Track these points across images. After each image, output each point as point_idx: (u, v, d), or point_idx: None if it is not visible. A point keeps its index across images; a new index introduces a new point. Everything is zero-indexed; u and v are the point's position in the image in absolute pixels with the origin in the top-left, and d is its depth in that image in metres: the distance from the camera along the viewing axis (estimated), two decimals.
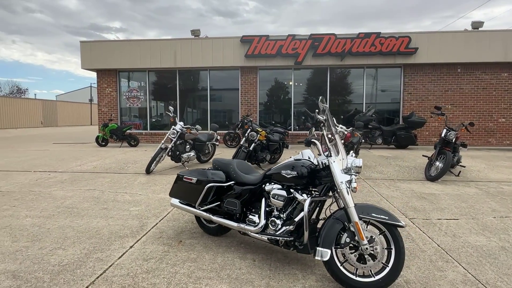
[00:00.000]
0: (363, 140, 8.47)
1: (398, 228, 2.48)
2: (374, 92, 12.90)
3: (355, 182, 2.53)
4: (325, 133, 2.67)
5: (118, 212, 4.24)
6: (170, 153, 7.12)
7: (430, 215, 4.15)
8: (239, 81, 12.99)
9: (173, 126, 7.14)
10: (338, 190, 2.50)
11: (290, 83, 13.02)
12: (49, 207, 4.47)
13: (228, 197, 3.15)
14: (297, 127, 12.99)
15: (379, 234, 2.52)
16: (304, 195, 2.75)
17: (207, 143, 7.82)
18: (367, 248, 2.41)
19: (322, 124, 2.64)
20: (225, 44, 12.53)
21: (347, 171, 2.58)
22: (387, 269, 2.42)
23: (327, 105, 2.60)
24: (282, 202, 2.77)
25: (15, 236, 3.45)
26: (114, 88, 13.41)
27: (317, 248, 2.44)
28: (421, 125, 11.01)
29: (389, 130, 11.04)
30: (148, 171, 6.62)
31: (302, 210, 2.76)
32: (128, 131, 11.93)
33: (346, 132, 6.58)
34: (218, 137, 8.20)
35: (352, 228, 2.45)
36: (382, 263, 2.45)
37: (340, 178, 2.52)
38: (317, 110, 2.61)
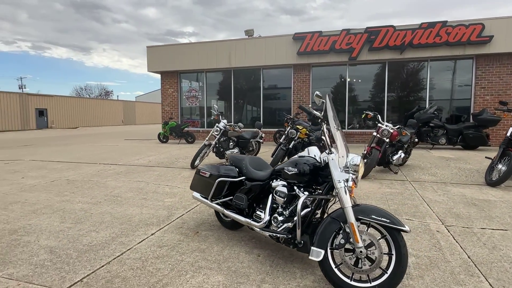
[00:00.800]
0: (416, 140, 7.81)
1: (403, 233, 2.31)
2: (440, 87, 11.74)
3: (351, 181, 2.40)
4: (325, 129, 2.57)
5: (153, 203, 4.60)
6: (214, 150, 7.44)
7: (473, 224, 3.69)
8: (292, 79, 12.92)
9: (216, 124, 7.45)
10: (336, 189, 2.41)
11: (345, 79, 12.53)
12: (99, 195, 5.04)
13: (239, 192, 3.22)
14: (357, 126, 12.47)
15: (381, 238, 2.36)
16: (306, 192, 2.70)
17: (251, 140, 7.97)
18: (361, 252, 2.28)
19: (320, 120, 2.56)
20: (278, 43, 12.57)
21: (347, 169, 2.46)
22: (385, 276, 2.26)
23: (327, 100, 2.50)
24: (283, 199, 2.75)
25: (64, 218, 3.98)
26: (175, 88, 14.41)
27: (312, 247, 2.38)
28: (494, 123, 9.70)
29: (455, 129, 9.95)
30: (193, 166, 7.01)
31: (306, 206, 2.72)
32: (186, 128, 12.71)
33: (391, 131, 6.15)
34: (263, 135, 8.30)
35: (347, 229, 2.33)
36: (381, 268, 2.29)
37: (338, 176, 2.42)
38: (309, 106, 2.54)
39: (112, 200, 4.76)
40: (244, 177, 3.25)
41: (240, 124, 7.84)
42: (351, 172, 2.44)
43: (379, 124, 6.22)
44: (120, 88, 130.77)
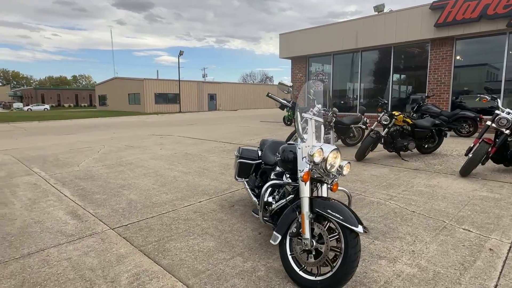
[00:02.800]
0: None
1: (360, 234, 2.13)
2: None
3: (302, 171, 2.33)
4: (298, 117, 2.53)
5: (226, 177, 5.31)
6: None
7: None
8: (428, 57, 11.13)
9: (310, 108, 7.48)
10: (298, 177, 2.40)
11: (502, 52, 9.85)
12: (194, 167, 6.16)
13: (254, 173, 3.48)
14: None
15: (336, 235, 2.23)
16: (289, 179, 2.75)
17: (351, 126, 7.62)
18: (306, 243, 2.24)
19: (289, 108, 2.53)
20: (411, 16, 11.00)
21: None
22: (330, 273, 2.16)
23: (306, 87, 2.45)
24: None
25: (157, 181, 5.18)
26: (304, 73, 14.80)
27: (273, 231, 2.48)
28: None
29: None
30: None
31: (289, 194, 2.79)
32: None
33: None
34: (367, 120, 7.77)
35: (300, 219, 2.32)
36: (330, 265, 2.20)
37: (300, 165, 2.40)
38: (269, 93, 2.49)
39: (199, 172, 5.76)
40: (260, 160, 3.48)
41: (334, 109, 7.59)
42: (307, 162, 2.37)
43: (497, 111, 4.91)
44: (281, 74, 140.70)
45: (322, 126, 2.74)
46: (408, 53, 11.96)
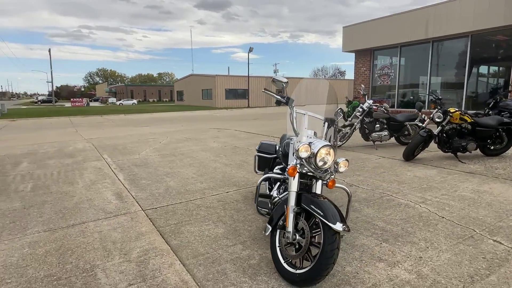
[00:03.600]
0: None
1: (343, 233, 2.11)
2: None
3: (289, 166, 2.35)
4: (293, 113, 2.54)
5: None
6: (360, 131, 7.27)
7: None
8: None
9: (360, 104, 7.15)
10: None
11: None
12: (236, 159, 6.44)
13: (271, 167, 3.56)
14: None
15: (320, 230, 2.22)
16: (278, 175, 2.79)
17: (406, 124, 7.09)
18: (288, 237, 2.27)
19: (283, 104, 2.53)
20: None
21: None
22: (308, 268, 2.18)
23: (285, 82, 2.47)
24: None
25: (198, 171, 5.57)
26: (368, 67, 14.05)
27: (266, 223, 2.56)
28: None
29: None
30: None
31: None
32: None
33: None
34: (425, 117, 7.13)
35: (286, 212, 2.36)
36: (310, 259, 2.21)
37: (290, 160, 2.43)
38: (265, 89, 2.50)
39: (239, 164, 6.01)
40: (276, 155, 3.55)
41: (385, 105, 7.13)
42: (295, 157, 2.38)
43: None
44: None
45: (326, 124, 2.71)
46: (488, 42, 10.52)
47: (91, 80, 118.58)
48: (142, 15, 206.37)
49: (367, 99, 7.31)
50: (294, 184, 2.37)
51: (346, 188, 2.76)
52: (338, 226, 2.08)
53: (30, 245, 2.92)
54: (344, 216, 2.68)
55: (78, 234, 3.14)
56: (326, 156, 2.38)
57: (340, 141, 7.29)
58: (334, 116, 2.89)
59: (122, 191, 4.52)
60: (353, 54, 14.56)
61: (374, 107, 7.01)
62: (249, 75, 37.52)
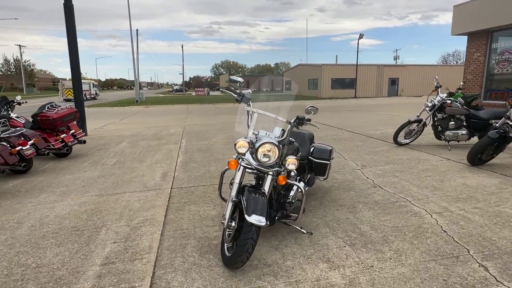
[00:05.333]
0: None
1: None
2: None
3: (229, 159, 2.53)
4: (248, 110, 2.67)
5: None
6: (433, 129, 6.43)
7: None
8: None
9: (431, 98, 6.26)
10: None
11: None
12: None
13: None
14: None
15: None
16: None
17: (492, 121, 5.91)
18: (223, 223, 2.49)
19: (237, 101, 2.67)
20: None
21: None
22: (231, 254, 2.39)
23: (241, 81, 2.59)
24: None
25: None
26: (483, 52, 11.73)
27: None
28: None
29: None
30: (396, 140, 6.59)
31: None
32: (474, 101, 10.44)
33: None
34: None
35: None
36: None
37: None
38: (221, 88, 2.61)
39: None
40: None
41: (460, 99, 6.01)
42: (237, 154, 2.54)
43: None
44: None
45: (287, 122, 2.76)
46: None
47: (216, 71, 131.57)
48: (264, 8, 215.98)
49: (440, 92, 6.35)
50: (237, 177, 2.58)
51: (300, 185, 2.79)
52: (252, 218, 2.23)
53: (79, 204, 3.92)
54: (298, 212, 2.75)
55: (113, 201, 4.01)
56: (267, 152, 2.50)
57: (405, 138, 6.61)
58: (306, 114, 2.90)
59: (171, 171, 5.35)
60: (465, 37, 12.37)
61: (447, 101, 6.06)
62: (361, 63, 35.55)
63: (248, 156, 2.58)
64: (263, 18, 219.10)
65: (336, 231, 3.02)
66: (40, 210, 3.76)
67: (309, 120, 2.93)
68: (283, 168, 2.64)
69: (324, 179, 3.76)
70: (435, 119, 6.30)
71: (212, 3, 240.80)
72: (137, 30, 33.66)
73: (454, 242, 2.74)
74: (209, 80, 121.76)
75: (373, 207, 3.56)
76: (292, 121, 2.80)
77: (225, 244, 2.60)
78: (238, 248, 2.29)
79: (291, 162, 2.56)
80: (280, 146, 2.60)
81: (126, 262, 2.59)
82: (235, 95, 2.80)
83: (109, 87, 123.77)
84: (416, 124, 6.47)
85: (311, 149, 3.69)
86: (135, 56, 30.61)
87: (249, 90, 2.92)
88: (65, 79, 38.60)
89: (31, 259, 2.68)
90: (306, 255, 2.64)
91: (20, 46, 61.60)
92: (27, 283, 2.35)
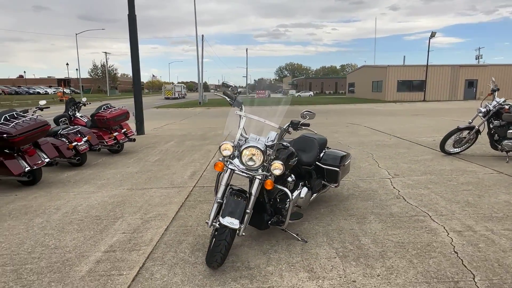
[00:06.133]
0: None
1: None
2: None
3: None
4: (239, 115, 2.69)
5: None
6: (489, 137, 5.70)
7: None
8: None
9: (485, 103, 5.52)
10: None
11: None
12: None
13: None
14: None
15: None
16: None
17: None
18: (207, 222, 2.56)
19: (231, 105, 2.70)
20: None
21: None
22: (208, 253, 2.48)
23: (233, 86, 2.61)
24: None
25: None
26: None
27: None
28: None
29: None
30: (442, 148, 5.97)
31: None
32: None
33: None
34: None
35: None
36: None
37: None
38: (217, 91, 2.63)
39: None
40: None
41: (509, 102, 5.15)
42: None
43: None
44: None
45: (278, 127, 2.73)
46: None
47: (280, 73, 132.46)
48: (332, 9, 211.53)
49: (496, 96, 5.57)
50: (224, 179, 2.64)
51: (287, 191, 2.74)
52: (225, 220, 2.28)
53: (110, 196, 4.34)
54: (284, 218, 2.72)
55: (138, 195, 4.36)
56: (251, 156, 2.52)
57: (454, 146, 5.96)
58: (301, 118, 2.84)
59: (200, 170, 5.61)
60: None
61: (505, 106, 5.31)
62: (432, 64, 32.70)
63: (236, 159, 2.63)
64: (330, 19, 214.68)
65: (333, 241, 2.90)
66: (77, 199, 4.26)
67: (306, 124, 2.86)
68: (270, 173, 2.63)
69: (336, 186, 3.63)
70: (491, 126, 5.58)
71: (279, 6, 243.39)
72: (202, 36, 35.59)
73: (461, 266, 2.44)
74: (272, 82, 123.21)
75: (385, 219, 3.32)
76: (285, 126, 2.77)
77: (210, 244, 2.69)
78: (212, 249, 2.36)
79: (277, 167, 2.54)
80: (266, 150, 2.60)
81: (125, 252, 2.83)
82: (228, 99, 2.86)
83: None
84: (467, 131, 5.80)
85: (321, 155, 3.58)
86: (200, 60, 32.39)
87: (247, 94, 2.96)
88: (170, 83, 51.69)
89: (53, 241, 3.07)
90: (291, 262, 2.59)
91: (106, 53, 69.56)
92: (41, 261, 2.71)
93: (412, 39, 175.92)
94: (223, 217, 2.35)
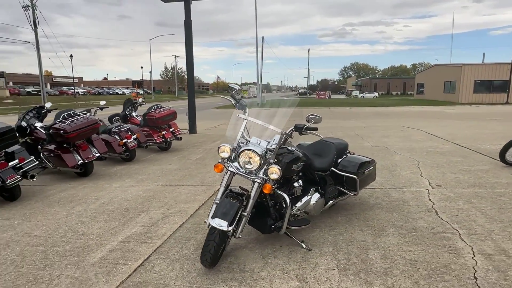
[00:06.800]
0: None
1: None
2: None
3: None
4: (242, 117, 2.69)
5: None
6: None
7: None
8: None
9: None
10: None
11: None
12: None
13: None
14: None
15: None
16: None
17: None
18: (206, 221, 2.61)
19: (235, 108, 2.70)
20: None
21: None
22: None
23: (238, 89, 2.60)
24: None
25: None
26: None
27: None
28: None
29: None
30: (503, 158, 5.23)
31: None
32: None
33: None
34: None
35: None
36: None
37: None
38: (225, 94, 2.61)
39: None
40: None
41: None
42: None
43: None
44: None
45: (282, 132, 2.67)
46: None
47: (345, 74, 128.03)
48: (405, 4, 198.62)
49: None
50: (224, 180, 2.68)
51: (285, 196, 2.67)
52: (214, 222, 2.33)
53: (144, 191, 4.68)
54: (282, 223, 2.67)
55: (169, 191, 4.62)
56: (247, 159, 2.53)
57: None
58: (306, 122, 2.75)
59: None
60: None
61: None
62: None
63: (236, 161, 2.66)
64: (402, 15, 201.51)
65: (338, 252, 2.76)
66: (116, 191, 4.68)
67: (313, 129, 2.76)
68: (266, 177, 2.59)
69: (355, 194, 3.44)
70: None
71: (346, 4, 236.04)
72: (262, 37, 36.09)
73: None
74: (335, 83, 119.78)
75: (405, 233, 3.05)
76: (288, 130, 2.71)
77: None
78: (203, 248, 2.42)
79: (273, 172, 2.50)
80: (266, 154, 2.58)
81: (137, 243, 3.03)
82: (233, 101, 2.89)
83: None
84: None
85: (339, 160, 3.42)
86: (259, 61, 32.90)
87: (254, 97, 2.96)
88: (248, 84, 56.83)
89: (82, 228, 3.42)
90: (287, 269, 2.53)
91: (175, 56, 74.61)
92: (67, 245, 3.05)
93: (499, 33, 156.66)
94: (212, 218, 2.40)
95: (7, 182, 4.10)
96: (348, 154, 3.62)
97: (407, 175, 5.03)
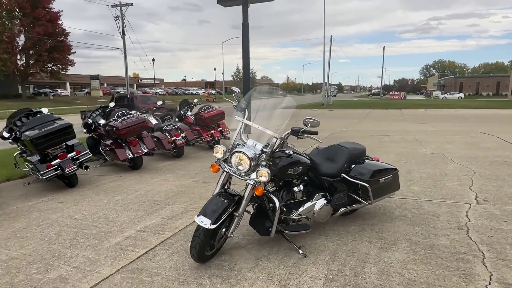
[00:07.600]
0: None
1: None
2: None
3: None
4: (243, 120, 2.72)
5: None
6: None
7: None
8: None
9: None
10: None
11: None
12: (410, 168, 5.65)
13: None
14: None
15: None
16: None
17: None
18: None
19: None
20: None
21: None
22: None
23: (238, 92, 2.62)
24: None
25: None
26: None
27: None
28: None
29: None
30: None
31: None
32: None
33: None
34: None
35: None
36: None
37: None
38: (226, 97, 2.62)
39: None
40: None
41: None
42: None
43: None
44: None
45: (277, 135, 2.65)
46: None
47: (427, 72, 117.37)
48: None
49: None
50: (220, 180, 2.77)
51: (275, 199, 2.64)
52: (198, 219, 2.44)
53: (178, 186, 5.01)
54: (271, 226, 2.67)
55: (199, 187, 4.88)
56: (238, 161, 2.58)
57: None
58: (303, 126, 2.68)
59: None
60: None
61: None
62: None
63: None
64: (501, 5, 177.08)
65: (333, 262, 2.64)
66: (155, 184, 5.10)
67: (312, 132, 2.70)
68: (256, 179, 2.60)
69: (369, 203, 3.23)
70: None
71: None
72: (331, 36, 35.31)
73: None
74: (415, 82, 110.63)
75: (418, 250, 2.77)
76: (283, 134, 2.68)
77: None
78: (190, 244, 2.54)
79: (262, 174, 2.50)
80: (259, 156, 2.60)
81: (150, 234, 3.30)
82: (234, 103, 2.95)
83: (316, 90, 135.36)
84: None
85: (352, 166, 3.24)
86: (326, 60, 32.14)
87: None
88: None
89: (113, 215, 3.84)
90: (273, 273, 2.51)
91: None
92: (95, 229, 3.46)
93: None
94: (198, 215, 2.51)
95: (66, 171, 4.78)
96: (367, 160, 3.41)
97: (452, 187, 4.50)
